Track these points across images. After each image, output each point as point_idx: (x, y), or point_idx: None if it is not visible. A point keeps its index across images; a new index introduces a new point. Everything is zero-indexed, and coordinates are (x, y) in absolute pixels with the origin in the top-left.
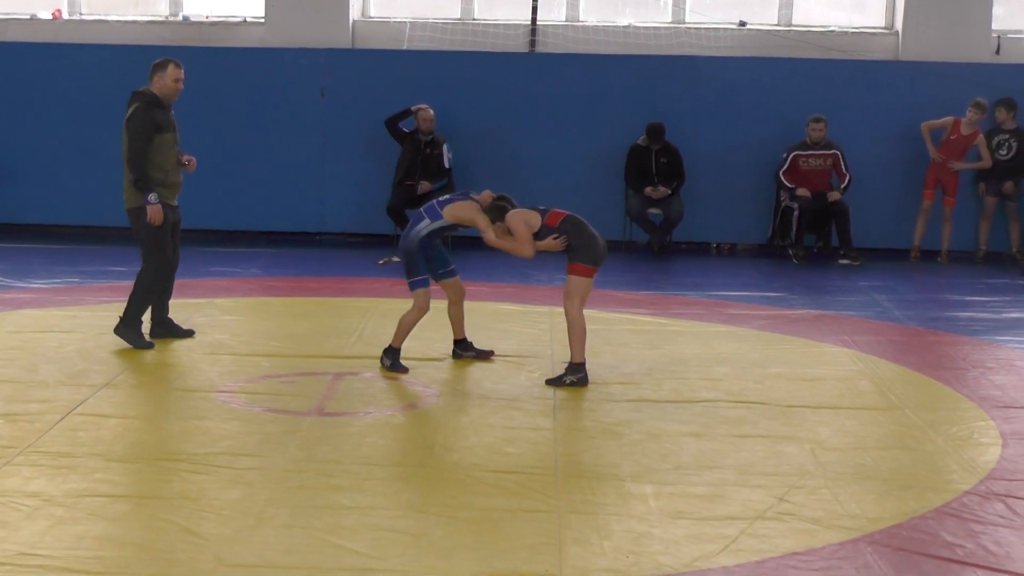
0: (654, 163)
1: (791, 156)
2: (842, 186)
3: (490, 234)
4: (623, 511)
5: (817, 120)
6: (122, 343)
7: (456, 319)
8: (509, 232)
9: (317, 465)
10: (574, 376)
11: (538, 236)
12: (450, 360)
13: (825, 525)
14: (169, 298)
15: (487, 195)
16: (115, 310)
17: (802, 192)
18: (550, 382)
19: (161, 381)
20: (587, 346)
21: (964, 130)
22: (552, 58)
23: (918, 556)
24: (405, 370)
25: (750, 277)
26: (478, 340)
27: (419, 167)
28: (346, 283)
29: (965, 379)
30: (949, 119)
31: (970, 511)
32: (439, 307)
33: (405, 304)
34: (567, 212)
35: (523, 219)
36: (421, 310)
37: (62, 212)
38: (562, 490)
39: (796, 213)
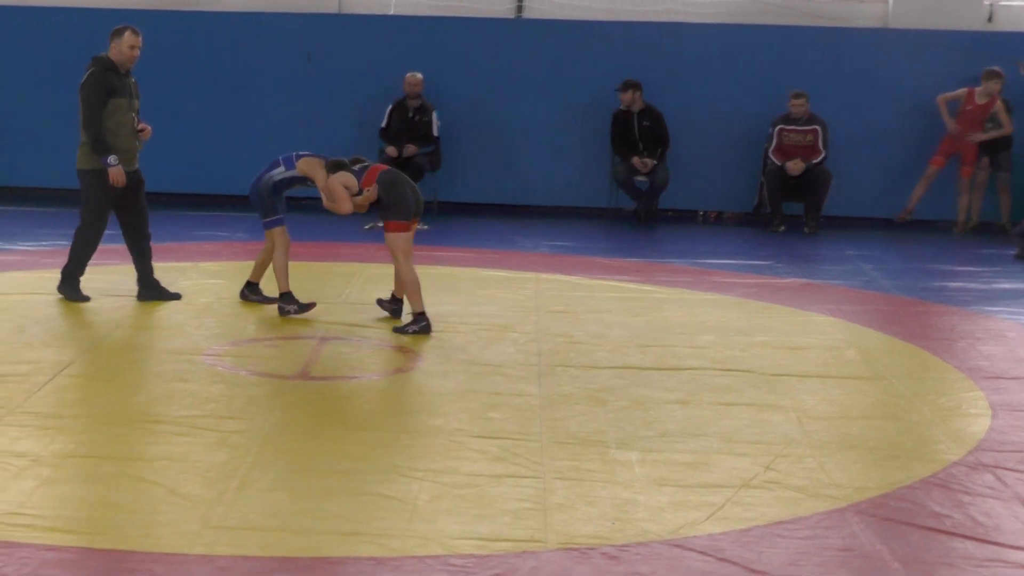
0: (637, 127)
1: (776, 130)
2: (813, 161)
3: (324, 195)
4: (608, 478)
5: (798, 96)
6: (112, 306)
7: (261, 264)
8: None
9: (302, 429)
10: (416, 325)
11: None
12: (439, 325)
13: (811, 494)
14: (150, 259)
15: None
16: (102, 272)
17: (792, 165)
18: (397, 330)
19: (147, 344)
20: (574, 312)
21: (979, 99)
22: (539, 24)
23: (905, 526)
24: (312, 305)
25: (736, 245)
26: (462, 306)
27: (406, 135)
28: (331, 248)
29: (953, 349)
30: (963, 90)
31: (958, 482)
32: (429, 271)
33: (390, 269)
34: (385, 168)
35: (341, 181)
36: (285, 246)
37: (49, 175)
38: (547, 456)
39: (764, 184)
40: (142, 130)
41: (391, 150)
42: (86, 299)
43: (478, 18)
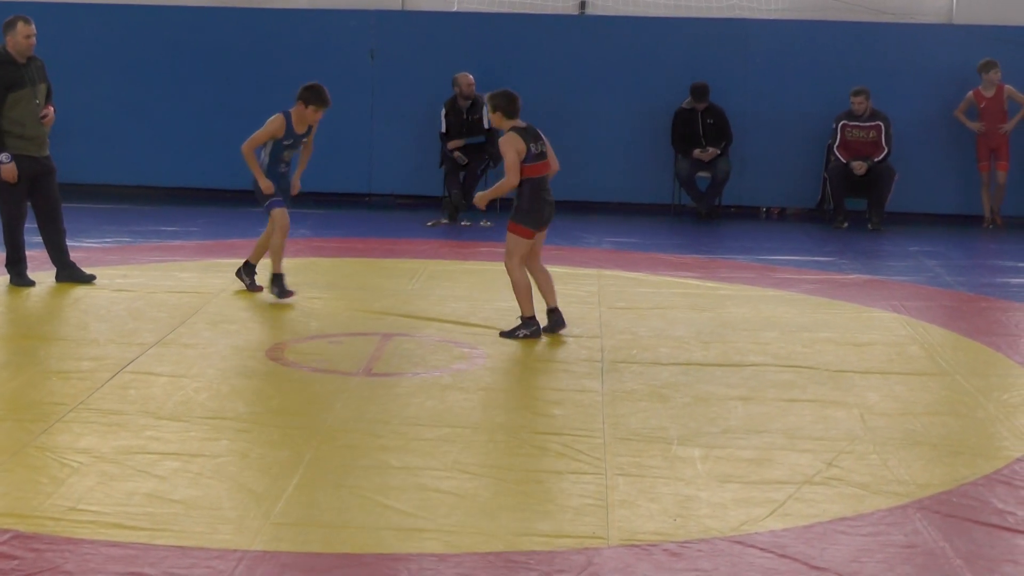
0: (701, 125)
1: (840, 126)
2: (876, 159)
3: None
4: (670, 474)
5: (857, 93)
6: (176, 302)
7: (261, 247)
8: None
9: (364, 425)
10: (527, 329)
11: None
12: (501, 322)
13: (873, 491)
14: (64, 241)
15: None
16: (165, 270)
17: (858, 166)
18: (504, 334)
19: (211, 340)
20: (637, 308)
21: (986, 92)
22: (602, 21)
23: (968, 523)
24: (291, 293)
25: (799, 241)
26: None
27: (464, 134)
28: (394, 244)
29: (1017, 345)
30: (969, 94)
31: (1021, 479)
32: (493, 267)
33: (452, 265)
34: (542, 166)
35: (516, 148)
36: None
37: (113, 172)
38: (609, 452)
39: (827, 180)
40: (44, 116)
41: (459, 156)
42: (31, 283)
43: (541, 14)
